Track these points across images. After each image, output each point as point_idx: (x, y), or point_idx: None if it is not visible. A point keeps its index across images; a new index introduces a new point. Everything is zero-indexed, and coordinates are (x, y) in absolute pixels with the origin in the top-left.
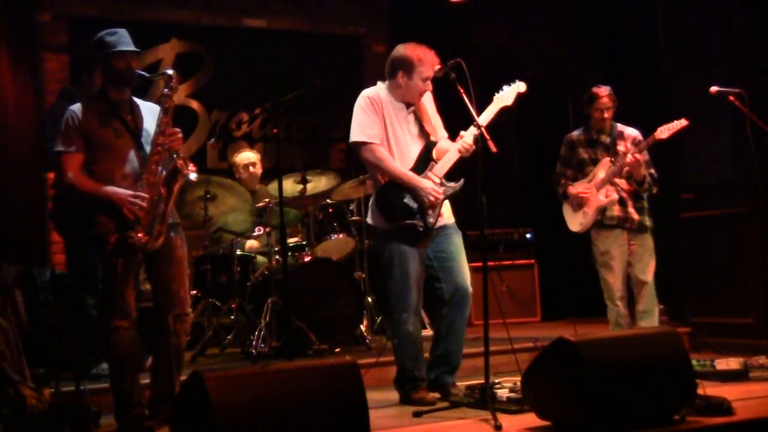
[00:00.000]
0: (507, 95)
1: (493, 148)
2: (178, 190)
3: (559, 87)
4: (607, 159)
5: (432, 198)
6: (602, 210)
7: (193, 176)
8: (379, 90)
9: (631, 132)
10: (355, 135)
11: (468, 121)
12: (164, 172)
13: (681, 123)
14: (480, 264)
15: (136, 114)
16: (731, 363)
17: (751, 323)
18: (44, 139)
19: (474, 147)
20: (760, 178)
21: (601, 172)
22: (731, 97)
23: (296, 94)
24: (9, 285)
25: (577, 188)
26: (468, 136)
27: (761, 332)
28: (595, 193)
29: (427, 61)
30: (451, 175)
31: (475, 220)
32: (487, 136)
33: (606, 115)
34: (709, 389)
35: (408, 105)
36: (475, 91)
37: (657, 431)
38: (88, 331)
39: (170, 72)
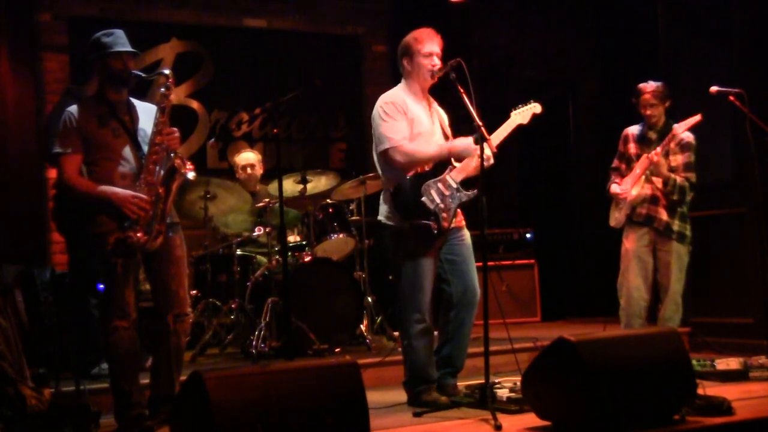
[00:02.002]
0: (524, 114)
1: (493, 149)
2: (176, 189)
3: (559, 87)
4: (645, 155)
5: (474, 152)
6: (634, 206)
7: (191, 175)
8: (398, 90)
9: (683, 134)
10: (381, 144)
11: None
12: (162, 172)
13: (695, 118)
14: (480, 264)
15: (133, 114)
16: (731, 363)
17: (751, 323)
18: (49, 135)
19: (492, 161)
20: (760, 178)
21: (638, 167)
22: (731, 97)
23: (296, 94)
24: (9, 285)
25: (618, 187)
26: (486, 150)
27: (761, 332)
28: (630, 189)
29: (423, 37)
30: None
31: (475, 220)
32: (487, 137)
33: (648, 111)
34: (709, 389)
35: (428, 102)
36: (475, 91)
37: (657, 431)
38: (89, 331)
39: (167, 72)
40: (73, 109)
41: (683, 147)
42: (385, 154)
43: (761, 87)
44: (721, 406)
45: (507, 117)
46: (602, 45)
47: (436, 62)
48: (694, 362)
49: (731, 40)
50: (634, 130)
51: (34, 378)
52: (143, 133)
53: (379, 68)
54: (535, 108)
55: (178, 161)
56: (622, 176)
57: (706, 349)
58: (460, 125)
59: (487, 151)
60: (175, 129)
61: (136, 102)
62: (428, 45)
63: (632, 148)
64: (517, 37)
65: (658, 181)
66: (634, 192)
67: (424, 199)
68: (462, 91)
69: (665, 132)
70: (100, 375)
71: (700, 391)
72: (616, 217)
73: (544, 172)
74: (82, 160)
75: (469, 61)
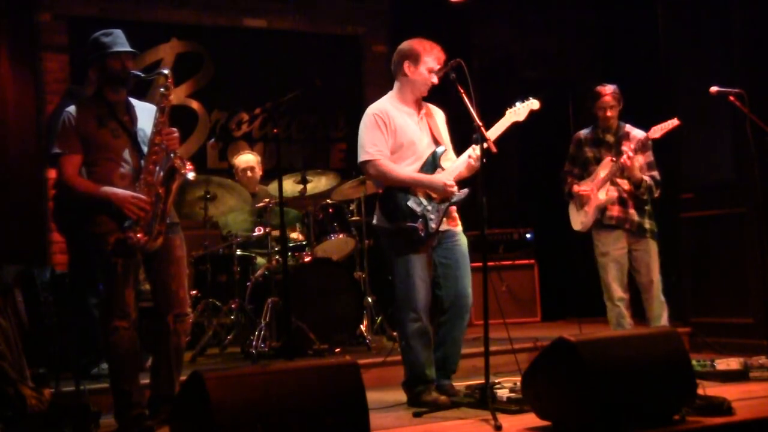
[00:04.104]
0: (520, 111)
1: (494, 149)
2: (176, 189)
3: (559, 87)
4: (609, 158)
5: (448, 192)
6: (602, 209)
7: (190, 175)
8: (385, 101)
9: (638, 133)
10: (360, 156)
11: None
12: (162, 172)
13: (673, 122)
14: (480, 264)
15: (132, 114)
16: (731, 363)
17: (751, 323)
18: (50, 136)
19: (485, 160)
20: (760, 178)
21: (602, 171)
22: (731, 97)
23: (296, 94)
24: (9, 285)
25: (580, 187)
26: (477, 149)
27: (761, 332)
28: (596, 193)
29: (433, 53)
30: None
31: (475, 220)
32: (487, 137)
33: (609, 113)
34: (709, 389)
35: (418, 109)
36: (475, 91)
37: (657, 431)
38: (89, 331)
39: (166, 71)
40: (72, 109)
41: (643, 147)
42: (361, 165)
43: (761, 87)
44: (721, 406)
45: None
46: (602, 45)
47: (436, 80)
48: (694, 362)
49: (731, 40)
50: (584, 133)
51: (34, 378)
52: (142, 134)
53: (379, 68)
54: (532, 105)
55: (177, 161)
56: (578, 179)
57: (706, 349)
58: (460, 125)
59: (478, 151)
60: (175, 129)
61: (134, 102)
62: (434, 62)
63: (588, 151)
64: (517, 37)
65: (623, 183)
66: (602, 196)
67: (410, 202)
68: (462, 91)
69: (620, 134)
70: (100, 375)
71: (700, 391)
72: (582, 221)
73: (544, 172)
74: (81, 160)
75: (469, 61)
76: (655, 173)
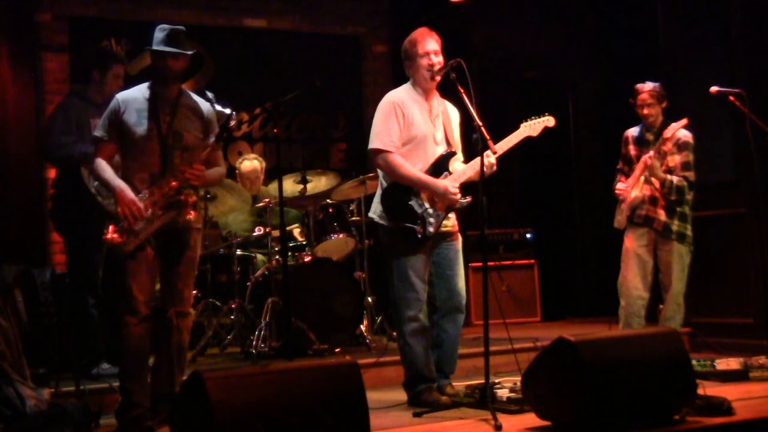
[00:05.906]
0: (535, 126)
1: (494, 149)
2: (167, 221)
3: (559, 87)
4: (644, 157)
5: (450, 199)
6: (633, 207)
7: (187, 217)
8: (402, 91)
9: (678, 133)
10: (372, 142)
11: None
12: (170, 199)
13: (682, 122)
14: (480, 264)
15: (175, 115)
16: (731, 363)
17: (751, 323)
18: (52, 132)
19: (495, 168)
20: (760, 178)
21: (638, 170)
22: (731, 97)
23: (296, 94)
24: (9, 285)
25: (620, 185)
26: (491, 157)
27: (761, 332)
28: (630, 191)
29: (420, 38)
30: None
31: (475, 220)
32: (487, 137)
33: (645, 111)
34: (709, 389)
35: (435, 104)
36: (475, 92)
37: (657, 431)
38: (89, 331)
39: (229, 111)
40: (123, 98)
41: (680, 147)
42: (370, 151)
43: (761, 87)
44: (721, 406)
45: (508, 119)
46: (602, 45)
47: (434, 60)
48: (694, 362)
49: (731, 40)
50: (633, 131)
51: (34, 378)
52: (180, 136)
53: (379, 68)
54: (548, 122)
55: (188, 201)
56: (627, 177)
57: (706, 349)
58: (460, 125)
59: (492, 158)
60: (203, 167)
61: (189, 96)
62: (423, 44)
63: (632, 149)
64: (517, 37)
65: (656, 182)
66: (633, 194)
67: (412, 202)
68: (462, 91)
69: (660, 133)
70: (100, 375)
71: (700, 391)
72: (618, 219)
73: (544, 172)
74: (115, 150)
75: (469, 61)
76: (689, 174)
